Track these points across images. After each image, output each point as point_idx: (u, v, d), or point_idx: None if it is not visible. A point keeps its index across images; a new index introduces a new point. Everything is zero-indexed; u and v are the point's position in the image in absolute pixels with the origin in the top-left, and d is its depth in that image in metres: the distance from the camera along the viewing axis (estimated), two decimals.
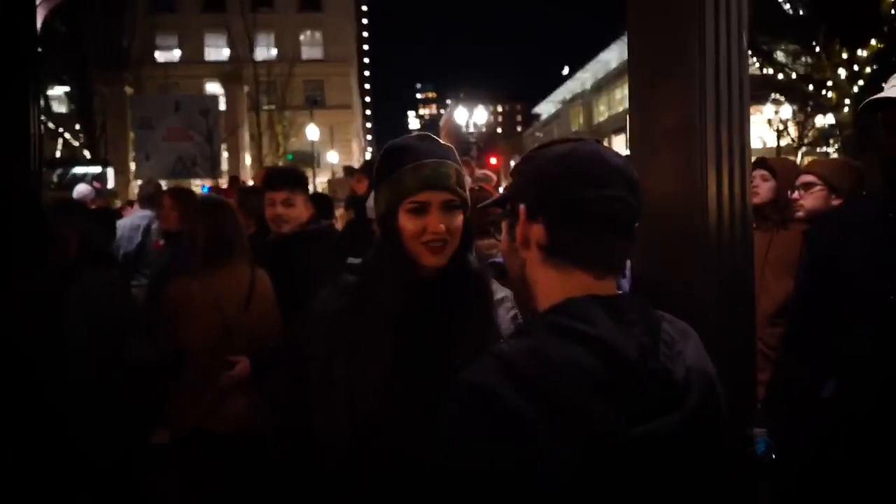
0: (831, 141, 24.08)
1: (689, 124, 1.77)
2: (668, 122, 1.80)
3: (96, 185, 9.41)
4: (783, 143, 20.80)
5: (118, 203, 13.00)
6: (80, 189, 7.12)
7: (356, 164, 15.25)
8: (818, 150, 24.95)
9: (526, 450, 0.87)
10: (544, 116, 66.49)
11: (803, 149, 21.55)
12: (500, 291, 1.59)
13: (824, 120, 19.65)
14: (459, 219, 1.49)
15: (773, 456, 1.82)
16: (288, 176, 3.15)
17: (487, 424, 0.89)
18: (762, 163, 3.16)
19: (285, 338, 1.58)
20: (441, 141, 1.54)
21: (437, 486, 0.94)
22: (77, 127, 20.42)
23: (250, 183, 11.97)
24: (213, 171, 17.23)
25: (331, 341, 1.47)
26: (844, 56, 8.73)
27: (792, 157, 21.18)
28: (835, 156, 26.34)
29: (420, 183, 1.45)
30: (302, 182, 3.14)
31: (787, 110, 19.47)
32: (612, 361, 0.91)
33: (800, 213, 2.98)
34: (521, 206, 1.06)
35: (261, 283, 2.87)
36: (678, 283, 1.79)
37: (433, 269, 1.49)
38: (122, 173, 20.24)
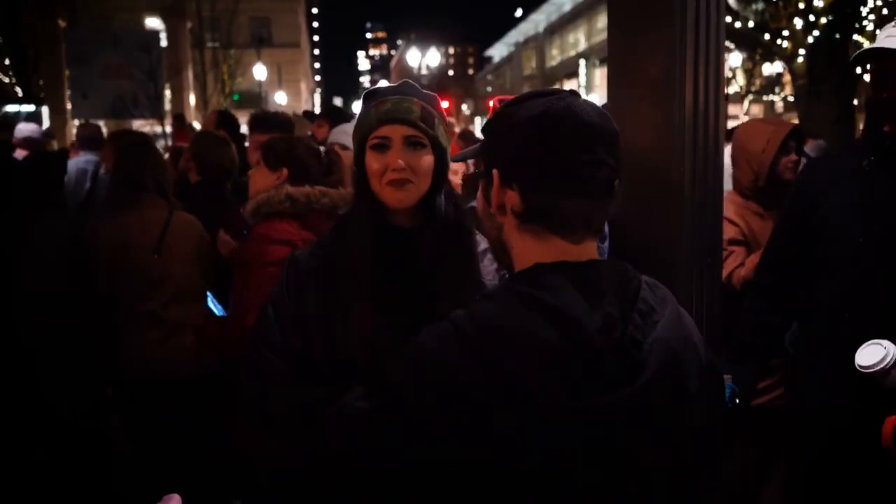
0: (777, 89, 24.54)
1: (669, 76, 1.76)
2: (648, 74, 1.79)
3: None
4: (731, 90, 21.10)
5: (54, 145, 12.33)
6: (25, 128, 6.29)
7: (304, 106, 14.89)
8: (765, 97, 25.43)
9: (468, 418, 0.87)
10: (496, 59, 65.75)
11: (750, 96, 21.92)
12: (483, 243, 1.58)
13: (772, 68, 19.95)
14: (425, 158, 1.44)
15: (738, 401, 1.90)
16: (276, 120, 3.12)
17: (434, 388, 0.89)
18: None
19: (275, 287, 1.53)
20: (418, 87, 1.51)
21: (374, 443, 0.95)
22: (6, 62, 19.23)
23: (195, 124, 11.55)
24: (156, 112, 16.52)
25: (314, 296, 1.46)
26: (801, 6, 8.82)
27: (739, 105, 21.58)
28: (780, 104, 26.87)
29: (380, 117, 1.43)
30: (289, 127, 3.11)
31: (735, 58, 19.70)
32: (569, 332, 0.89)
33: None
34: (495, 172, 1.01)
35: (178, 227, 2.84)
36: (654, 234, 1.81)
37: (406, 216, 1.46)
38: (58, 113, 19.23)
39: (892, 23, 1.79)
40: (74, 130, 18.57)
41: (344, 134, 3.48)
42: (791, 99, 20.25)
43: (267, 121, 3.23)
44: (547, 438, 0.87)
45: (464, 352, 0.90)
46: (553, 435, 0.87)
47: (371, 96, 1.50)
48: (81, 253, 2.92)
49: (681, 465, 0.96)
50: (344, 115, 4.30)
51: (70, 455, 3.09)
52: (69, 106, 18.69)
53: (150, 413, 2.78)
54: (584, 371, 0.89)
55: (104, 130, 7.05)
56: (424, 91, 1.51)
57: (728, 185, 3.46)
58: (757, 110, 28.25)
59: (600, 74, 39.52)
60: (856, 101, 9.23)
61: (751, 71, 21.19)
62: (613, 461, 0.90)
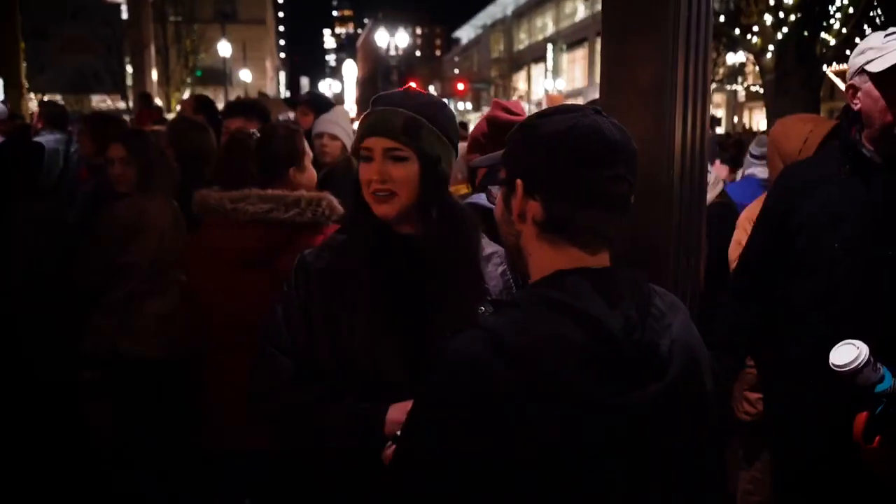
0: (740, 79, 24.92)
1: (660, 82, 1.81)
2: (640, 79, 1.83)
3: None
4: None
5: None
6: None
7: (269, 84, 14.68)
8: (728, 87, 25.82)
9: (508, 418, 0.91)
10: (464, 41, 65.38)
11: (713, 85, 22.28)
12: (489, 247, 1.59)
13: (735, 58, 20.25)
14: (408, 169, 1.43)
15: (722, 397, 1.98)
16: (248, 106, 3.13)
17: (473, 392, 0.92)
18: None
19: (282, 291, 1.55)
20: (422, 93, 1.52)
21: (415, 447, 0.98)
22: None
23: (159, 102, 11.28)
24: (119, 87, 16.11)
25: (320, 296, 1.48)
26: (771, 2, 8.99)
27: None
28: (742, 93, 27.25)
29: (364, 129, 1.46)
30: (264, 115, 3.12)
31: None
32: (596, 334, 0.94)
33: None
34: (519, 182, 1.05)
35: (179, 212, 2.98)
36: (641, 236, 1.87)
37: (406, 223, 1.48)
38: (14, 86, 18.58)
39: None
40: (31, 104, 17.95)
41: (331, 123, 3.44)
42: (754, 89, 20.58)
43: (239, 108, 3.22)
44: (581, 434, 0.92)
45: (498, 355, 0.93)
46: (587, 430, 0.92)
47: (375, 103, 1.50)
48: (64, 234, 2.92)
49: (696, 457, 1.03)
50: (327, 102, 4.25)
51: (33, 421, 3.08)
52: (25, 80, 18.04)
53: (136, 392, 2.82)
54: (612, 369, 0.94)
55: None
56: (433, 99, 1.51)
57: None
58: (719, 99, 28.70)
59: (567, 59, 39.63)
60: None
61: (714, 60, 21.52)
62: (641, 453, 0.96)
